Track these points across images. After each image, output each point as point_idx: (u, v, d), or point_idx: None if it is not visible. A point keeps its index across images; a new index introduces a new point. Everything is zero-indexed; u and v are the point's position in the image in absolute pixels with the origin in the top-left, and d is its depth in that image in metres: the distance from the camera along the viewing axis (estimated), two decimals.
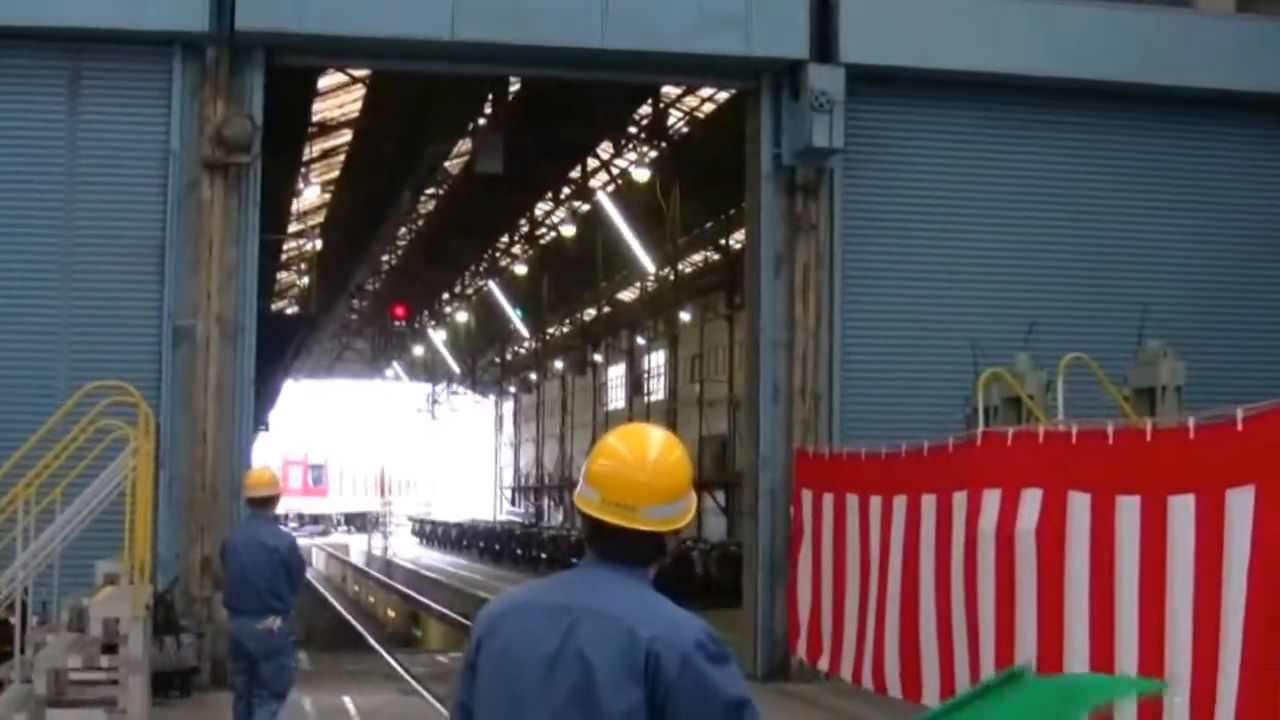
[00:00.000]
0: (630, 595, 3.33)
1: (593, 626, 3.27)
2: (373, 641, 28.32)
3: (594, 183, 39.53)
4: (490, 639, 3.40)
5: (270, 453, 64.47)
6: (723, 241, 39.23)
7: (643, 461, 3.39)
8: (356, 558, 58.51)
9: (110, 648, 10.41)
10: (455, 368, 76.77)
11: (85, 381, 12.10)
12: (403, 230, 46.13)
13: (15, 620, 10.74)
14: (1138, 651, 9.02)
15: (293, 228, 39.73)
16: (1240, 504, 8.25)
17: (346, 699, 15.59)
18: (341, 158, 36.41)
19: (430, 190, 39.69)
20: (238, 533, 11.56)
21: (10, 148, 15.60)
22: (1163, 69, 17.36)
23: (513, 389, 77.12)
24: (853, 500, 14.14)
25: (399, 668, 20.82)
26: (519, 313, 59.03)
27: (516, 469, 76.80)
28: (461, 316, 64.46)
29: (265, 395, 26.77)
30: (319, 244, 38.10)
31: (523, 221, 46.55)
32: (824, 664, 14.92)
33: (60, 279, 15.51)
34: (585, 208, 41.95)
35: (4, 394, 15.01)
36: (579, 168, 38.54)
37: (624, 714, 3.19)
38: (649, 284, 47.26)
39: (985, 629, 10.92)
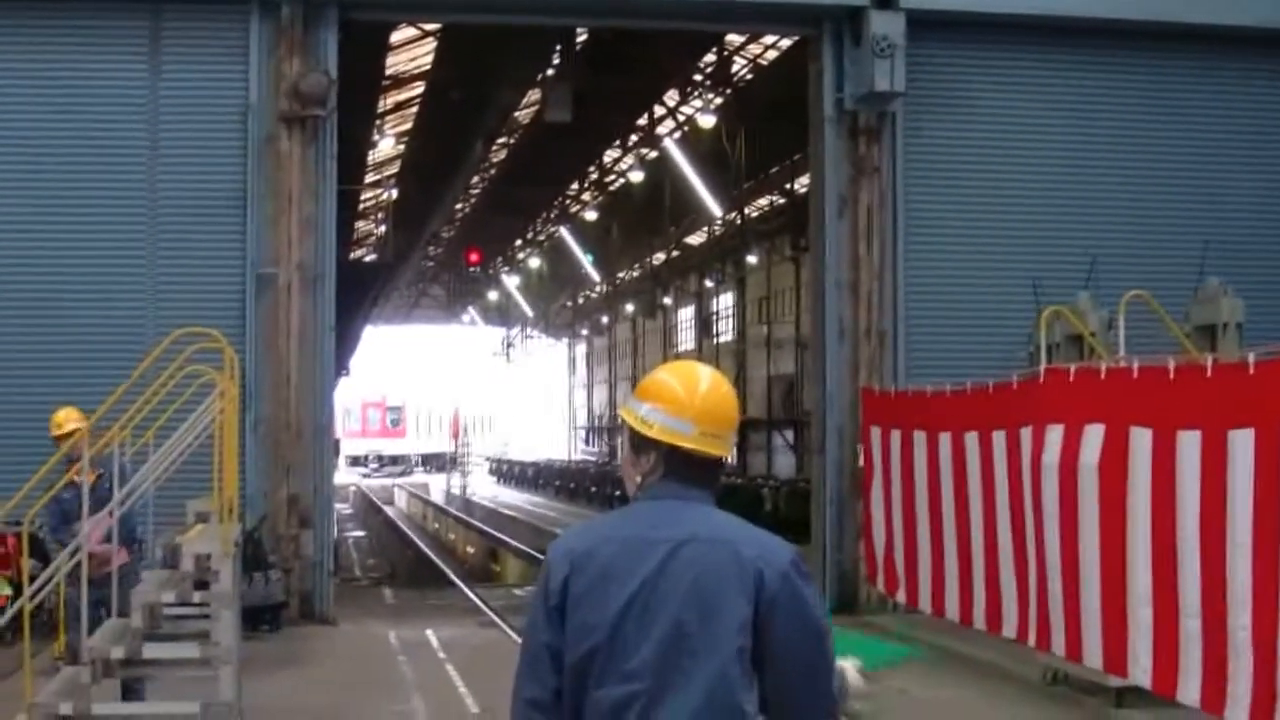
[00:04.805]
0: (722, 519, 3.48)
1: (697, 550, 3.36)
2: (453, 577, 28.79)
3: (661, 129, 39.67)
4: (579, 575, 3.38)
5: (350, 396, 65.38)
6: (788, 185, 39.21)
7: (719, 393, 3.56)
8: (437, 496, 59.21)
9: (202, 584, 10.75)
10: (529, 312, 77.35)
11: (173, 329, 12.48)
12: (475, 179, 46.44)
13: None
14: (1200, 584, 9.14)
15: (369, 178, 40.23)
16: None
17: (429, 631, 16.09)
18: (415, 110, 36.74)
19: (501, 139, 39.99)
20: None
21: (95, 106, 16.09)
22: (1222, 8, 17.27)
23: (585, 332, 77.55)
24: (920, 437, 14.30)
25: (479, 601, 21.29)
26: (589, 257, 59.35)
27: (590, 409, 77.34)
28: (534, 262, 64.96)
29: (346, 341, 27.17)
30: (395, 193, 38.52)
31: (592, 169, 46.77)
32: (902, 596, 15.17)
33: (147, 232, 16.03)
34: (653, 154, 42.09)
35: (96, 342, 15.62)
36: (646, 115, 38.68)
37: (737, 631, 3.34)
38: (716, 228, 47.35)
39: (1052, 564, 11.05)
